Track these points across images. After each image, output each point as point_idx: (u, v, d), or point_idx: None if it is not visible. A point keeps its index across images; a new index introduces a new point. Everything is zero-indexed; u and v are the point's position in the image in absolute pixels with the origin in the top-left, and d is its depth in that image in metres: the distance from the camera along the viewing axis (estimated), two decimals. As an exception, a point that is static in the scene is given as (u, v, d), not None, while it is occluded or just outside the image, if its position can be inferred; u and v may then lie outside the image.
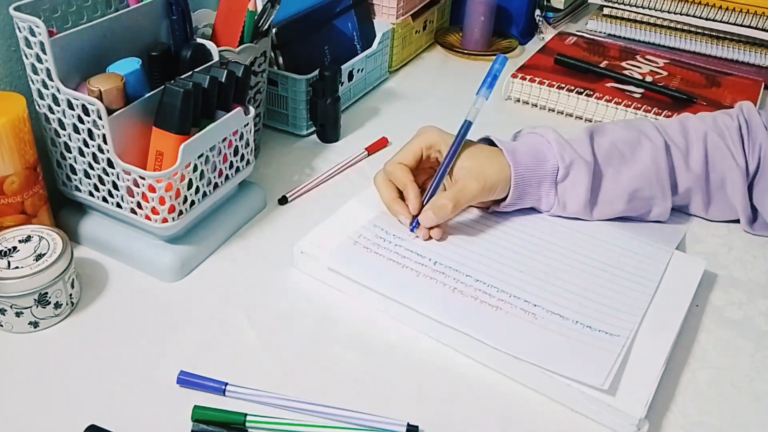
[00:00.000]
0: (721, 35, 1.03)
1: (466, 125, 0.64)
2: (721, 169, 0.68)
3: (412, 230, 0.63)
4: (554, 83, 0.91)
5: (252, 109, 0.64)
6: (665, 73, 0.96)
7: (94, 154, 0.58)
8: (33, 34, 0.54)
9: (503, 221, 0.66)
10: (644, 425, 0.48)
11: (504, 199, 0.64)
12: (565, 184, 0.65)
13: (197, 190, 0.61)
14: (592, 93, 0.89)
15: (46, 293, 0.54)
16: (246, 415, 0.49)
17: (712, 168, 0.68)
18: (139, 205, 0.59)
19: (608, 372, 0.50)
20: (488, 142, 0.67)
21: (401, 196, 0.64)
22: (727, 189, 0.68)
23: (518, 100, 0.94)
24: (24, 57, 0.56)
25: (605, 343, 0.53)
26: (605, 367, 0.50)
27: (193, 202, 0.61)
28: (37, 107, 0.59)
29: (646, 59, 1.00)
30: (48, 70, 0.55)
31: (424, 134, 0.66)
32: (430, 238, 0.63)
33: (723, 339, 0.58)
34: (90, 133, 0.57)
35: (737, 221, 0.70)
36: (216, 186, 0.63)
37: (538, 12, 1.14)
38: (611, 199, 0.66)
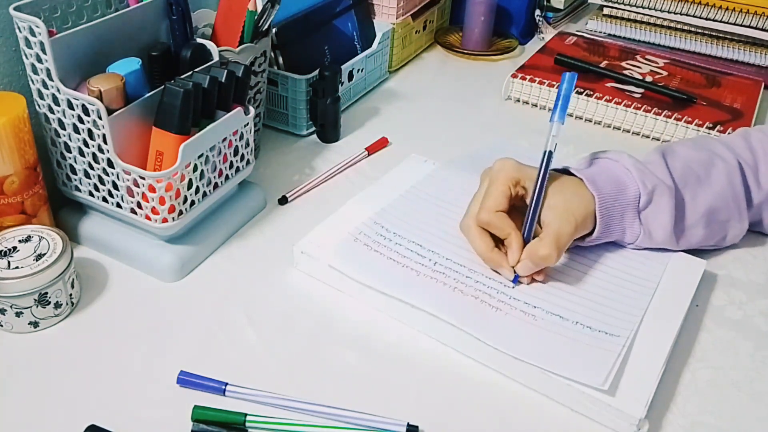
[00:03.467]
0: (721, 35, 1.03)
1: (548, 157, 0.59)
2: None
3: (514, 282, 0.58)
4: (554, 83, 0.91)
5: (252, 109, 0.64)
6: (665, 73, 0.96)
7: (94, 154, 0.58)
8: (33, 34, 0.54)
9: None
10: (644, 425, 0.48)
11: (589, 233, 0.60)
12: (647, 212, 0.61)
13: (197, 190, 0.61)
14: (592, 93, 0.89)
15: (46, 293, 0.54)
16: (246, 415, 0.49)
17: None
18: (139, 205, 0.59)
19: (608, 372, 0.50)
20: (562, 170, 0.63)
21: (497, 244, 0.59)
22: None
23: (518, 100, 0.94)
24: (24, 57, 0.56)
25: (605, 343, 0.53)
26: (605, 367, 0.50)
27: (193, 202, 0.61)
28: (37, 107, 0.59)
29: (646, 59, 1.00)
30: (48, 70, 0.55)
31: (504, 170, 0.60)
32: (533, 281, 0.59)
33: (723, 339, 0.58)
34: (90, 133, 0.57)
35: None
36: (216, 186, 0.63)
37: (538, 12, 1.14)
38: (692, 224, 0.62)
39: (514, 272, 0.58)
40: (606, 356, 0.52)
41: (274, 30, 0.78)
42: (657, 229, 0.61)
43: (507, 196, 0.59)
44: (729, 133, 0.74)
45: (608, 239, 0.62)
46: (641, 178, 0.61)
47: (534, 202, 0.58)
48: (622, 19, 1.08)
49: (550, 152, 0.59)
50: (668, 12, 1.03)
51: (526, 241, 0.58)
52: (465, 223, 0.61)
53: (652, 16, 1.05)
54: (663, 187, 0.61)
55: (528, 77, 0.93)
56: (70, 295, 0.57)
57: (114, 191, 0.60)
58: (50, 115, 0.58)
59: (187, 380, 0.51)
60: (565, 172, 0.63)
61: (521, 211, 0.60)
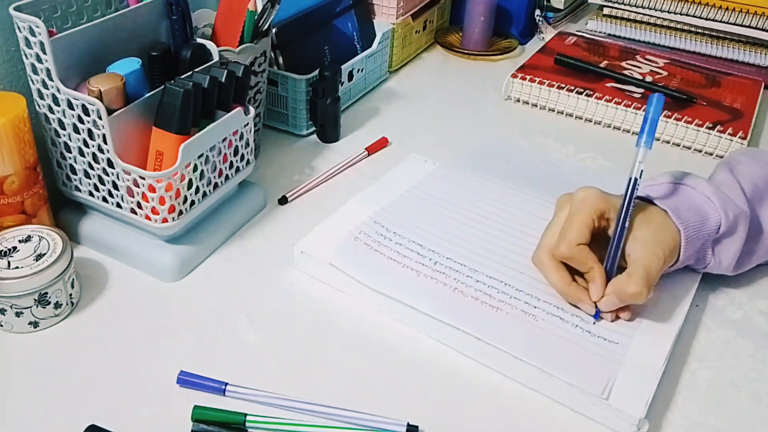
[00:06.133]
0: (721, 35, 1.03)
1: (633, 185, 0.55)
2: None
3: (596, 318, 0.56)
4: (554, 83, 0.91)
5: (252, 109, 0.64)
6: (665, 73, 0.96)
7: (94, 154, 0.58)
8: (33, 34, 0.54)
9: (505, 223, 0.66)
10: (644, 425, 0.48)
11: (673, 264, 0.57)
12: (725, 240, 0.58)
13: (197, 190, 0.61)
14: (592, 93, 0.89)
15: (46, 293, 0.54)
16: (246, 415, 0.49)
17: None
18: (139, 205, 0.59)
19: (606, 381, 0.50)
20: (642, 198, 0.59)
21: (573, 277, 0.57)
22: None
23: (518, 100, 0.94)
24: (24, 57, 0.56)
25: (604, 350, 0.53)
26: (603, 376, 0.50)
27: (193, 202, 0.61)
28: (37, 107, 0.59)
29: (646, 59, 1.00)
30: (48, 70, 0.55)
31: (588, 200, 0.56)
32: (618, 318, 0.56)
33: (723, 339, 0.58)
34: (90, 133, 0.57)
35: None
36: (216, 186, 0.63)
37: (538, 12, 1.14)
38: (759, 245, 0.61)
39: (596, 307, 0.55)
40: (605, 364, 0.52)
41: (274, 30, 0.78)
42: (726, 255, 0.59)
43: (590, 228, 0.55)
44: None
45: (682, 265, 0.59)
46: (723, 208, 0.57)
47: (618, 233, 0.55)
48: (622, 19, 1.08)
49: (635, 179, 0.56)
50: (668, 12, 1.04)
51: (609, 275, 0.55)
52: (539, 256, 0.58)
53: (652, 16, 1.05)
54: (742, 217, 0.58)
55: (528, 77, 0.93)
56: (70, 295, 0.57)
57: (114, 191, 0.60)
58: (50, 115, 0.58)
59: (187, 380, 0.51)
60: (645, 200, 0.59)
61: (599, 240, 0.56)
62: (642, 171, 0.56)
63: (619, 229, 0.55)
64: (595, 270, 0.55)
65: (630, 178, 0.56)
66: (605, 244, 0.56)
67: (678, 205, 0.57)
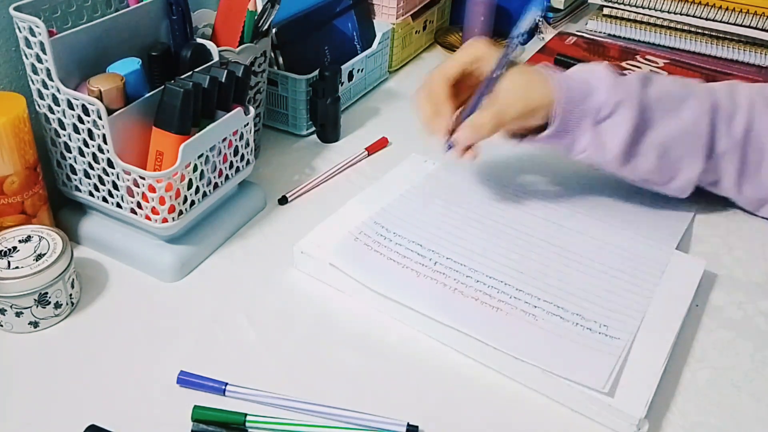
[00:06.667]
0: (721, 35, 1.03)
1: (513, 40, 0.60)
2: (762, 142, 0.64)
3: (447, 150, 0.60)
4: (554, 83, 0.91)
5: (252, 109, 0.64)
6: (665, 73, 0.96)
7: (94, 154, 0.58)
8: (33, 34, 0.54)
9: (505, 222, 0.66)
10: (644, 425, 0.48)
11: (541, 129, 0.60)
12: (606, 125, 0.61)
13: (197, 190, 0.61)
14: (592, 93, 0.89)
15: (46, 293, 0.54)
16: (246, 415, 0.49)
17: (754, 138, 0.64)
18: (139, 205, 0.59)
19: (608, 375, 0.50)
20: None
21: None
22: (763, 167, 0.65)
23: (518, 100, 0.94)
24: (24, 57, 0.56)
25: (605, 345, 0.53)
26: (605, 370, 0.50)
27: (193, 202, 0.61)
28: (37, 107, 0.59)
29: (646, 59, 1.00)
30: (48, 70, 0.55)
31: (471, 46, 0.61)
32: (465, 156, 0.60)
33: (723, 339, 0.58)
34: (90, 133, 0.57)
35: (738, 221, 0.70)
36: (216, 186, 0.63)
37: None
38: (645, 151, 0.63)
39: (448, 140, 0.60)
40: (606, 359, 0.52)
41: (274, 30, 0.78)
42: (610, 143, 0.61)
43: (461, 67, 0.60)
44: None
45: (559, 143, 0.62)
46: (611, 89, 0.60)
47: (489, 77, 0.59)
48: (622, 19, 1.08)
49: (514, 36, 0.60)
50: (668, 12, 1.03)
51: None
52: (418, 90, 0.62)
53: (652, 16, 1.05)
54: (629, 103, 0.60)
55: (528, 77, 0.92)
56: (70, 295, 0.57)
57: (114, 191, 0.60)
58: (50, 115, 0.58)
59: (187, 380, 0.51)
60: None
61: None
62: (525, 33, 0.60)
63: (493, 72, 0.59)
64: (445, 103, 0.59)
65: (513, 34, 0.60)
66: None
67: (564, 74, 0.61)
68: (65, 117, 0.57)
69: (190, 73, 0.60)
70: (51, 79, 0.55)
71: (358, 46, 0.92)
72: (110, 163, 0.57)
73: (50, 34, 0.54)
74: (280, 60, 0.81)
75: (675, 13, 1.03)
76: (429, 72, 0.62)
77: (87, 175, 0.60)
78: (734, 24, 1.00)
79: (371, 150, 0.81)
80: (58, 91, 0.56)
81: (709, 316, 0.60)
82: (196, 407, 0.49)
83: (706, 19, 1.01)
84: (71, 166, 0.61)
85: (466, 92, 0.63)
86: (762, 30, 0.98)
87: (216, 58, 0.64)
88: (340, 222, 0.64)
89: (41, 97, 0.58)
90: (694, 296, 0.59)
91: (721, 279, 0.64)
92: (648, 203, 0.70)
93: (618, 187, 0.71)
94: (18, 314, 0.54)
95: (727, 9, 1.00)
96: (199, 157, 0.59)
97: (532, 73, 0.60)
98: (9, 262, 0.53)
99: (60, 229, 0.58)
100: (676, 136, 0.63)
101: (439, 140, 0.60)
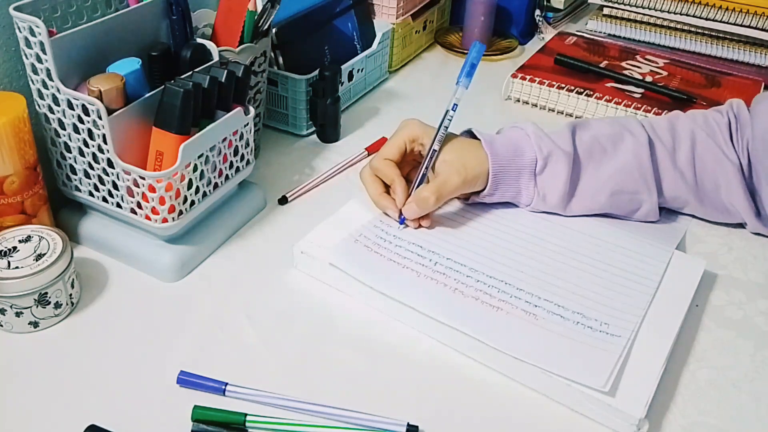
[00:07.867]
0: (721, 35, 1.03)
1: (444, 115, 0.64)
2: (714, 170, 0.66)
3: (401, 223, 0.64)
4: (554, 83, 0.91)
5: (252, 109, 0.64)
6: (665, 73, 0.96)
7: (94, 154, 0.58)
8: (33, 34, 0.54)
9: (504, 222, 0.66)
10: (644, 425, 0.48)
11: (482, 191, 0.65)
12: (544, 176, 0.65)
13: (197, 190, 0.61)
14: (592, 93, 0.89)
15: (46, 293, 0.54)
16: (246, 415, 0.49)
17: (703, 169, 0.67)
18: (139, 205, 0.59)
19: (609, 374, 0.50)
20: (470, 134, 0.68)
21: (388, 190, 0.65)
22: (722, 191, 0.67)
23: (518, 100, 0.94)
24: (24, 57, 0.56)
25: (606, 344, 0.53)
26: (606, 368, 0.50)
27: (193, 202, 0.61)
28: (37, 107, 0.59)
29: (646, 59, 1.00)
30: (48, 70, 0.55)
31: (406, 128, 0.66)
32: (420, 226, 0.64)
33: (723, 339, 0.58)
34: (90, 133, 0.57)
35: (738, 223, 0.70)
36: (216, 186, 0.63)
37: (538, 12, 1.14)
38: (592, 192, 0.66)
39: (401, 214, 0.64)
40: (607, 358, 0.52)
41: (274, 30, 0.78)
42: (551, 193, 0.65)
43: (400, 149, 0.65)
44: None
45: (501, 199, 0.66)
46: (538, 144, 0.64)
47: (428, 155, 0.64)
48: (622, 19, 1.08)
49: (447, 111, 0.64)
50: (668, 12, 1.03)
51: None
52: (362, 171, 0.67)
53: (652, 16, 1.05)
54: (559, 154, 0.64)
55: (528, 77, 0.93)
56: (70, 295, 0.57)
57: (114, 191, 0.60)
58: (50, 115, 0.58)
59: (187, 380, 0.51)
60: (471, 135, 0.67)
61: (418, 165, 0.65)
62: (456, 105, 0.64)
63: (430, 151, 0.64)
64: (396, 181, 0.64)
65: (446, 111, 0.64)
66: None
67: (495, 139, 0.66)
68: (65, 117, 0.57)
69: (190, 73, 0.60)
70: (51, 79, 0.55)
71: (358, 46, 0.92)
72: (110, 163, 0.57)
73: (50, 34, 0.54)
74: (280, 60, 0.81)
75: (675, 13, 1.03)
76: (373, 157, 0.67)
77: (87, 175, 0.60)
78: (734, 24, 1.00)
79: (371, 150, 0.81)
80: (58, 91, 0.56)
81: (709, 316, 0.60)
82: (196, 407, 0.49)
83: (706, 19, 1.01)
84: (71, 166, 0.61)
85: (407, 168, 0.67)
86: (762, 30, 0.98)
87: (216, 58, 0.64)
88: (340, 222, 0.64)
89: (41, 97, 0.58)
90: (694, 296, 0.59)
91: (721, 279, 0.64)
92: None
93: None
94: (18, 314, 0.54)
95: (727, 9, 1.00)
96: (199, 157, 0.59)
97: (466, 145, 0.65)
98: (9, 262, 0.53)
99: (60, 229, 0.58)
100: (619, 173, 0.65)
101: (392, 215, 0.64)
